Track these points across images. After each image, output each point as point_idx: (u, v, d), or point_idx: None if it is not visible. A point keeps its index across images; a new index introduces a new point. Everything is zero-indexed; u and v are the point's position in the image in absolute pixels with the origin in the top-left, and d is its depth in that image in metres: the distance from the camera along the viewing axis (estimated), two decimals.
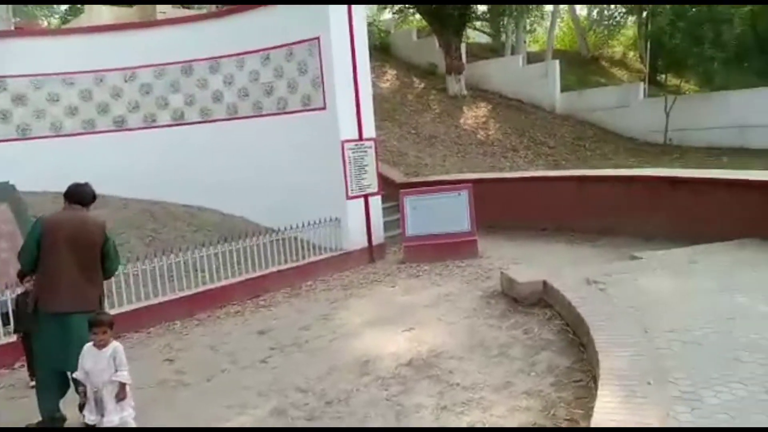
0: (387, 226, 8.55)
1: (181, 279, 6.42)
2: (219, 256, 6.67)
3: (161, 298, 6.10)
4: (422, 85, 16.87)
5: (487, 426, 3.43)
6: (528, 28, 29.46)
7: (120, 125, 9.05)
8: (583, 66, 23.77)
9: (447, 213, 7.86)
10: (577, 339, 4.52)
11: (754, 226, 6.41)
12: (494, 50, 22.38)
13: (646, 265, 5.69)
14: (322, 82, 7.66)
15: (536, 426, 3.36)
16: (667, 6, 14.96)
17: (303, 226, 7.47)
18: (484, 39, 26.15)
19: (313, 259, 7.45)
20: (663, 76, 20.63)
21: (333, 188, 7.78)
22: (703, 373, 3.27)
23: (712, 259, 5.68)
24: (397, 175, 10.60)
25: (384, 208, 8.78)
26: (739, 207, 6.62)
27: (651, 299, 4.65)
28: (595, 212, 8.28)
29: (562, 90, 17.20)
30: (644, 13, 20.47)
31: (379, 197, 8.16)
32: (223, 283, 6.55)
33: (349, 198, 7.72)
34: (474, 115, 15.36)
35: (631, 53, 27.88)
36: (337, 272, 7.51)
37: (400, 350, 4.73)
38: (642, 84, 16.35)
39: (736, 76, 23.29)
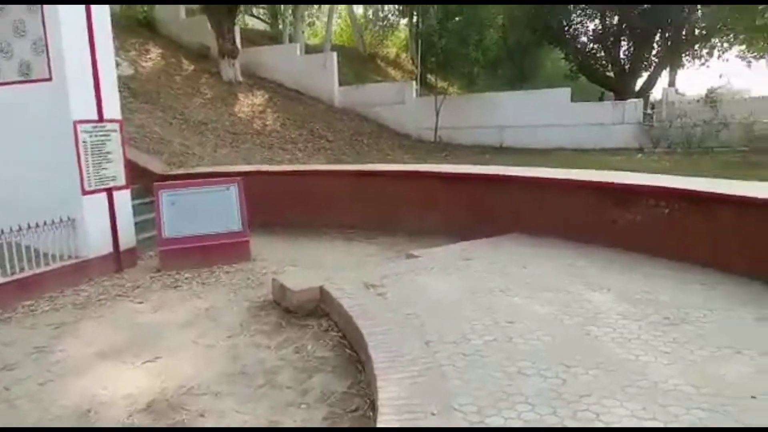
0: (144, 226, 7.21)
1: None
2: None
3: None
4: (192, 68, 15.34)
5: None
6: (307, 20, 29.23)
7: None
8: (361, 63, 24.20)
9: (213, 210, 6.84)
10: (355, 355, 3.96)
11: (518, 221, 6.59)
12: (273, 38, 21.55)
13: (423, 264, 5.39)
14: (47, 47, 6.05)
15: None
16: (437, 7, 15.66)
17: (22, 229, 5.81)
18: (263, 26, 25.18)
19: (37, 270, 5.83)
20: (433, 77, 21.90)
21: (64, 181, 6.22)
22: (488, 394, 2.88)
23: (484, 256, 5.60)
24: (158, 166, 9.19)
25: (139, 205, 7.45)
26: (505, 203, 6.76)
27: (431, 303, 4.29)
28: (373, 209, 7.99)
29: (341, 84, 17.09)
30: (415, 16, 21.47)
31: (127, 191, 6.78)
32: None
33: (85, 193, 6.23)
34: (250, 103, 14.36)
35: (404, 54, 29.35)
36: (72, 286, 6.00)
37: (138, 390, 3.68)
38: (414, 83, 16.94)
39: (493, 81, 25.81)
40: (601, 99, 18.72)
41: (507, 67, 28.72)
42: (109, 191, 6.54)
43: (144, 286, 5.97)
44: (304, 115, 14.82)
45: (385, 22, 29.97)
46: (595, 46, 24.50)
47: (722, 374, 3.01)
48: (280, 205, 8.45)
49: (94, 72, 6.31)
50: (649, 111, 16.60)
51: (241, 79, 15.65)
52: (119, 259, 6.65)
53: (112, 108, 6.57)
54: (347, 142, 14.12)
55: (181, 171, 9.01)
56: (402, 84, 17.56)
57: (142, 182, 8.78)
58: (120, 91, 12.25)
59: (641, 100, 16.21)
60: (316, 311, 4.83)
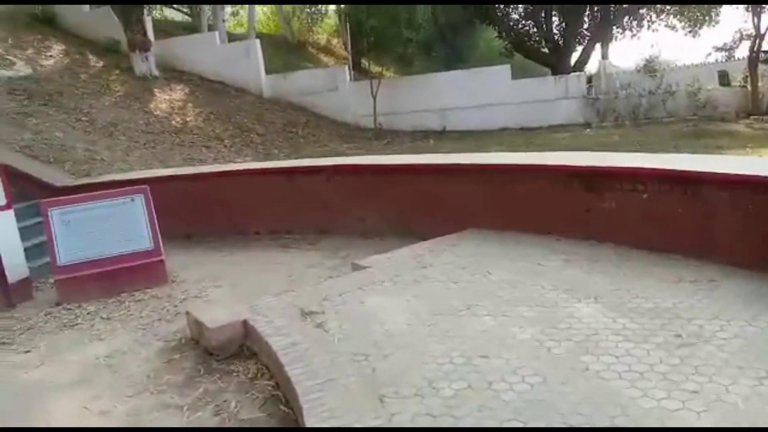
0: (44, 249, 6.03)
1: None
2: None
3: None
4: (101, 64, 13.86)
5: None
6: (229, 10, 27.67)
7: None
8: (290, 51, 23.02)
9: (117, 227, 5.74)
10: (292, 413, 3.08)
11: (473, 215, 5.82)
12: (193, 29, 20.03)
13: (372, 278, 4.53)
14: None
15: None
16: None
17: None
18: (181, 17, 23.56)
19: None
20: (366, 62, 20.98)
21: None
22: None
23: (441, 261, 4.80)
24: (59, 177, 7.95)
25: (36, 225, 6.32)
26: (457, 196, 5.98)
27: (383, 335, 3.43)
28: (310, 210, 7.07)
29: (269, 73, 15.93)
30: None
31: (9, 212, 5.60)
32: None
33: None
34: (168, 98, 13.06)
35: (335, 40, 28.24)
36: None
37: None
38: (347, 67, 15.98)
39: (428, 63, 25.11)
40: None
41: (441, 48, 28.12)
42: None
43: (36, 327, 4.87)
44: (230, 108, 13.64)
45: (313, 9, 28.75)
46: (527, 22, 24.14)
47: None
48: (203, 213, 7.42)
49: None
50: (586, 85, 16.23)
51: (156, 73, 14.26)
52: (8, 294, 5.49)
53: None
54: (280, 135, 13.06)
55: (85, 181, 7.79)
56: (334, 69, 16.54)
57: (43, 196, 7.55)
58: (15, 93, 10.87)
59: (584, 73, 15.84)
60: (241, 352, 3.91)
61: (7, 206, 5.56)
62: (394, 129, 14.62)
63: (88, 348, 4.33)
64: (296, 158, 11.42)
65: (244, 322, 3.92)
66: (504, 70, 14.55)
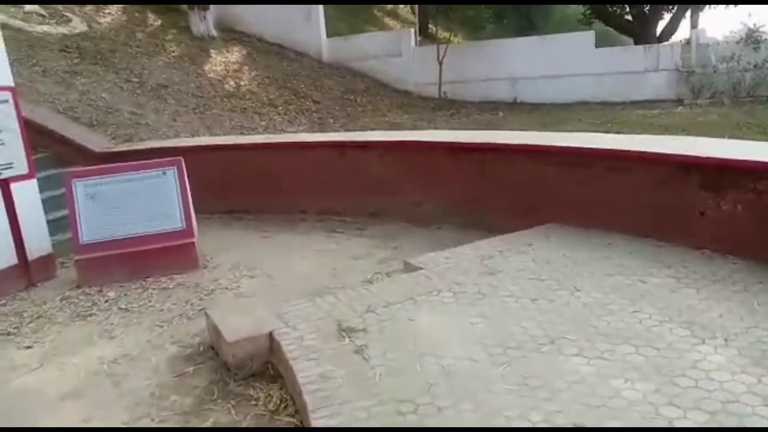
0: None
1: None
2: None
3: None
4: (159, 23, 13.38)
5: None
6: None
7: None
8: (355, 14, 22.03)
9: (146, 203, 5.14)
10: None
11: (555, 206, 4.88)
12: None
13: (426, 284, 3.72)
14: None
15: None
16: None
17: None
18: None
19: None
20: (434, 27, 19.77)
21: None
22: None
23: (515, 265, 3.92)
24: (99, 142, 7.48)
25: (64, 195, 5.80)
26: (534, 182, 5.04)
27: (439, 375, 2.63)
28: (363, 189, 6.31)
29: (330, 36, 15.09)
30: None
31: (32, 182, 5.09)
32: None
33: None
34: (224, 60, 12.48)
35: (402, 5, 27.01)
36: None
37: None
38: (413, 30, 14.91)
39: (499, 30, 23.57)
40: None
41: (513, 16, 26.35)
42: (5, 183, 4.85)
43: (47, 315, 4.34)
44: (287, 72, 12.93)
45: None
46: None
47: None
48: (247, 187, 6.78)
49: None
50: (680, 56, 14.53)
51: (214, 33, 13.69)
52: (28, 272, 5.03)
53: None
54: (337, 102, 12.27)
55: (124, 147, 7.28)
56: (399, 33, 15.50)
57: (81, 162, 7.11)
58: (67, 50, 10.51)
59: (679, 42, 14.19)
60: (265, 370, 3.21)
61: (29, 175, 5.04)
62: (460, 99, 13.55)
63: (96, 348, 3.74)
64: (352, 129, 10.65)
65: (270, 335, 3.20)
66: (587, 36, 13.15)
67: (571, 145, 4.75)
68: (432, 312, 3.31)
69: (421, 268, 4.01)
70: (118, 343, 3.79)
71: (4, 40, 9.53)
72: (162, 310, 4.27)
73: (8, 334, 4.03)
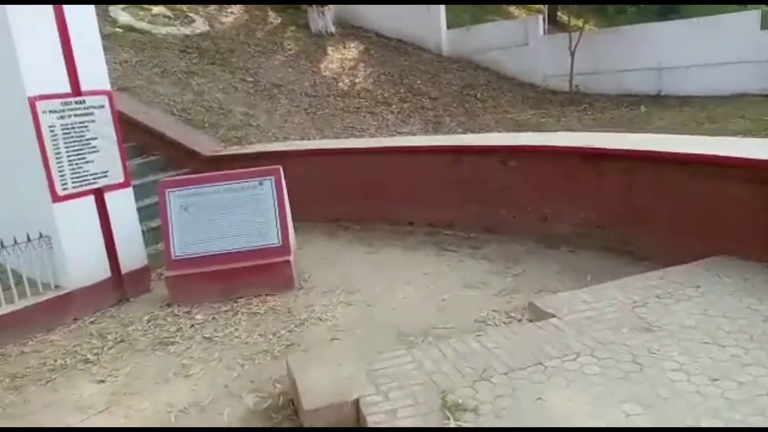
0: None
1: None
2: None
3: None
4: (279, 20, 13.32)
5: None
6: None
7: None
8: (478, 3, 20.99)
9: (242, 216, 4.73)
10: None
11: (727, 235, 3.80)
12: None
13: (560, 342, 2.87)
14: None
15: None
16: None
17: None
18: None
19: None
20: (566, 15, 18.23)
21: (25, 183, 4.43)
22: None
23: (680, 319, 2.95)
24: (208, 145, 7.30)
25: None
26: (700, 200, 3.98)
27: None
28: (476, 201, 5.52)
29: (451, 27, 14.26)
30: None
31: (128, 190, 4.85)
32: None
33: (58, 199, 4.36)
34: (340, 57, 12.12)
35: None
36: (45, 329, 4.26)
37: None
38: (541, 18, 13.66)
39: (636, 16, 21.35)
40: None
41: None
42: (99, 193, 4.64)
43: (130, 340, 4.02)
44: (404, 68, 12.30)
45: None
46: None
47: None
48: (354, 195, 6.24)
49: (61, 22, 4.32)
50: None
51: (332, 29, 13.40)
52: (121, 286, 4.80)
53: (95, 74, 4.58)
54: (454, 99, 11.43)
55: (231, 151, 7.02)
56: (525, 21, 14.28)
57: (190, 165, 6.98)
58: (187, 51, 10.63)
59: None
60: None
61: (125, 183, 4.80)
62: (594, 92, 12.15)
63: (167, 389, 3.30)
64: (470, 128, 9.80)
65: (356, 404, 2.55)
66: (751, 16, 11.18)
67: (758, 157, 3.63)
68: (568, 387, 2.48)
69: (552, 315, 3.16)
70: (192, 383, 3.33)
71: (130, 42, 9.81)
72: (247, 342, 3.79)
73: (86, 361, 3.73)
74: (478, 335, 3.09)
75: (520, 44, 13.36)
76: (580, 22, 14.59)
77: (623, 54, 12.19)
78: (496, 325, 3.60)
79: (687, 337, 2.78)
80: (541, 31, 13.32)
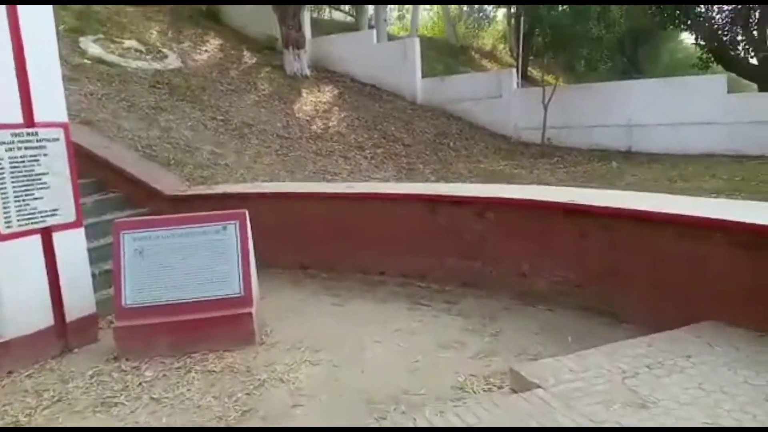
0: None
1: None
2: None
3: None
4: (254, 61, 13.23)
5: None
6: (395, 13, 26.86)
7: None
8: (452, 55, 21.48)
9: (201, 262, 4.39)
10: None
11: (716, 299, 3.64)
12: (354, 29, 19.22)
13: (546, 418, 2.60)
14: None
15: None
16: None
17: None
18: (344, 17, 23.08)
19: None
20: (539, 70, 18.62)
21: None
22: None
23: (674, 393, 2.73)
24: (171, 184, 6.94)
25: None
26: (690, 262, 3.83)
27: None
28: (451, 252, 5.30)
29: (426, 76, 14.39)
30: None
31: (79, 231, 4.48)
32: None
33: (1, 238, 3.98)
34: (315, 100, 12.02)
35: (501, 46, 26.24)
36: None
37: None
38: (514, 71, 13.89)
39: (603, 74, 22.05)
40: None
41: (618, 59, 24.69)
42: (47, 232, 4.25)
43: (68, 399, 3.59)
44: (378, 114, 12.26)
45: (481, 12, 27.08)
46: (734, 27, 20.11)
47: None
48: (323, 241, 5.96)
49: (16, 46, 4.03)
50: None
51: (307, 72, 13.35)
52: (66, 335, 4.37)
53: (51, 105, 4.27)
54: (428, 147, 11.38)
55: (195, 191, 6.70)
56: (499, 73, 14.50)
57: (151, 206, 6.62)
58: (157, 87, 10.37)
59: None
60: None
61: (76, 223, 4.44)
62: (566, 145, 12.28)
63: None
64: (443, 176, 9.69)
65: None
66: (717, 80, 11.53)
67: (743, 220, 3.50)
68: None
69: (536, 385, 2.90)
70: None
71: (97, 74, 9.50)
72: (200, 406, 3.41)
73: (16, 423, 3.30)
74: (456, 406, 2.80)
75: (494, 96, 13.51)
76: (550, 78, 14.89)
77: (594, 110, 12.41)
78: (475, 392, 3.32)
79: (685, 416, 2.55)
80: (515, 84, 13.52)
